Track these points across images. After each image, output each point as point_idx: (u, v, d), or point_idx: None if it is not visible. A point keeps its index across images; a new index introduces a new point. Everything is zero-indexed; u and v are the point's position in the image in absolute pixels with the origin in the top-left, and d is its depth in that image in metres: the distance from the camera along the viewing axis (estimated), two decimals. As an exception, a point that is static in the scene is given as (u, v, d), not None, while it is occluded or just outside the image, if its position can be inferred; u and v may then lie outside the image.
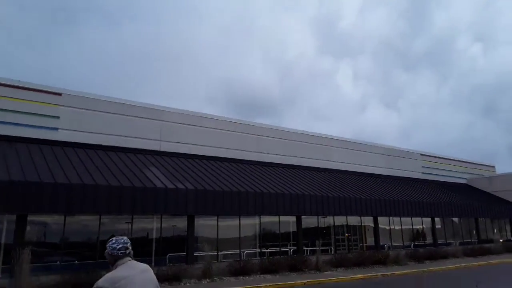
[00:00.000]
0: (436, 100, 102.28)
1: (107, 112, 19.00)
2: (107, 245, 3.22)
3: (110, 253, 3.19)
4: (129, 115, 19.70)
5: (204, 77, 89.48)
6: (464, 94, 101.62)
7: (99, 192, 14.54)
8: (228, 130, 23.04)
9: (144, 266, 3.29)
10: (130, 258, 3.24)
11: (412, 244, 25.79)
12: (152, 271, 3.32)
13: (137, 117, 19.95)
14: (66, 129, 17.69)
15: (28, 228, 13.70)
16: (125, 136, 19.29)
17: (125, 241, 3.25)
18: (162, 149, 20.29)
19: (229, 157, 22.59)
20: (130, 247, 3.27)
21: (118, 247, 3.19)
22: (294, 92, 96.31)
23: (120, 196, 14.99)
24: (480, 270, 19.11)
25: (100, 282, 2.99)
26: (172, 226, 17.20)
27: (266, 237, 19.76)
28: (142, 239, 16.32)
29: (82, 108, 18.30)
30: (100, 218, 14.96)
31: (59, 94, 17.84)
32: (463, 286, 13.71)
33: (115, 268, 3.16)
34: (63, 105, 17.82)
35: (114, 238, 3.27)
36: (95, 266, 14.05)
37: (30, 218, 13.76)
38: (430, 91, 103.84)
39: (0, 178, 12.87)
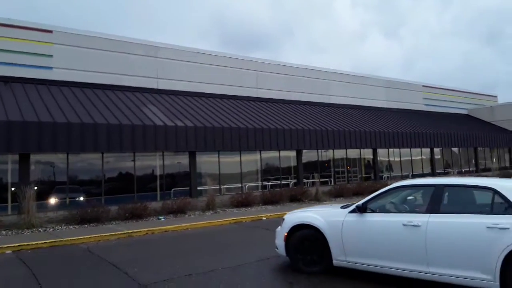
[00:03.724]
0: (437, 28, 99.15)
1: (101, 50, 18.50)
2: None
3: None
4: (124, 52, 19.22)
5: (194, 11, 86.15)
6: (466, 20, 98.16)
7: (99, 130, 14.61)
8: (226, 66, 22.58)
9: None
10: None
11: (411, 174, 26.35)
12: None
13: (133, 54, 19.48)
14: (61, 68, 17.35)
15: (32, 167, 13.97)
16: (122, 74, 18.96)
17: None
18: (159, 87, 20.05)
19: (228, 93, 22.36)
20: None
21: None
22: (290, 23, 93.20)
23: (120, 134, 15.08)
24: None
25: None
26: (177, 163, 17.49)
27: (268, 171, 20.16)
28: (147, 176, 16.69)
29: (75, 46, 17.80)
30: (102, 157, 15.17)
31: (50, 32, 17.27)
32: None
33: None
34: (55, 43, 17.32)
35: None
36: (101, 201, 14.53)
37: (33, 157, 13.98)
38: (431, 18, 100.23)
39: (-2, 119, 12.88)
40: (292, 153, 20.87)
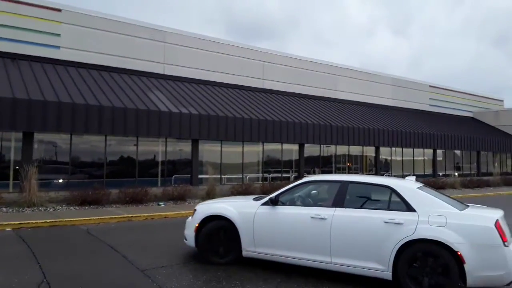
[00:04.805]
0: (446, 27, 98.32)
1: (109, 31, 18.40)
2: None
3: None
4: (132, 36, 19.11)
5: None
6: (476, 21, 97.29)
7: (103, 113, 14.59)
8: (233, 55, 22.45)
9: None
10: None
11: (411, 174, 26.32)
12: None
13: (140, 37, 19.37)
14: (68, 48, 17.28)
15: (35, 146, 13.99)
16: (128, 58, 18.88)
17: None
18: (165, 73, 19.97)
19: (233, 83, 22.28)
20: None
21: None
22: (297, 14, 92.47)
23: (124, 118, 15.07)
24: (475, 200, 19.63)
25: None
26: (179, 150, 17.51)
27: (269, 164, 20.17)
28: (149, 161, 16.72)
29: (83, 26, 17.71)
30: (106, 139, 15.17)
31: (59, 10, 17.16)
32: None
33: None
34: (64, 22, 17.22)
35: None
36: (102, 184, 14.57)
37: (37, 136, 13.99)
38: (441, 16, 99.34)
39: (3, 96, 12.86)
40: (295, 147, 20.86)
